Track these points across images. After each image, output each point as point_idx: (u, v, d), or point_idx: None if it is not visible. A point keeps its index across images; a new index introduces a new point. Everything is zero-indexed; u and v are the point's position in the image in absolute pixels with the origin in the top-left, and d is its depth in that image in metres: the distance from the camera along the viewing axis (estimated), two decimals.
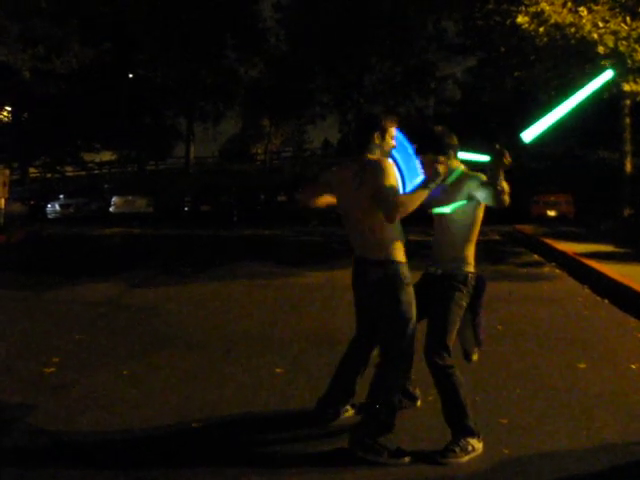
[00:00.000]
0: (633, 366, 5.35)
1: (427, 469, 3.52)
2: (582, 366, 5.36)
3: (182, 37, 33.99)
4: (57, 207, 27.12)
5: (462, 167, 3.89)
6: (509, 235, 17.51)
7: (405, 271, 3.66)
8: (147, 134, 37.93)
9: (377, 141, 3.70)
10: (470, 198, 3.73)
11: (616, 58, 12.35)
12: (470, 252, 3.85)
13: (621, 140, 18.44)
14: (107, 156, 45.36)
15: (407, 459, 3.57)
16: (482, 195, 3.64)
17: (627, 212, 18.62)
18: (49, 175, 42.16)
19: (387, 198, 3.45)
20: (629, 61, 12.40)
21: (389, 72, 37.20)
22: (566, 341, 6.22)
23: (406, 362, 3.69)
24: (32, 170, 40.93)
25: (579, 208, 23.49)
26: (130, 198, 27.10)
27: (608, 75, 3.36)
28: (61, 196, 28.16)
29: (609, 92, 13.57)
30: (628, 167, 18.60)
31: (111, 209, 26.88)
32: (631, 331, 6.59)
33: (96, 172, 43.54)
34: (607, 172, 22.14)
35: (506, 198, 3.45)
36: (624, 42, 12.07)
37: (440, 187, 3.85)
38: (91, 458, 3.71)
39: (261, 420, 4.23)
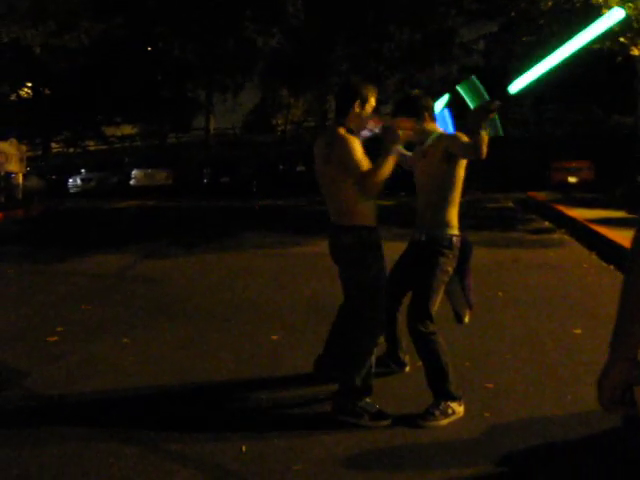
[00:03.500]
0: None
1: (406, 431, 3.58)
2: (578, 332, 5.34)
3: (199, 9, 33.77)
4: (78, 181, 27.40)
5: (439, 129, 3.88)
6: (522, 202, 17.39)
7: (375, 237, 3.69)
8: (167, 107, 37.95)
9: (357, 109, 3.68)
10: (449, 158, 3.72)
11: (623, 22, 12.10)
12: (453, 215, 3.81)
13: (635, 104, 18.09)
14: (128, 130, 45.53)
15: (387, 422, 3.64)
16: (461, 148, 3.58)
17: None
18: (71, 150, 42.52)
19: (356, 175, 3.50)
20: (635, 24, 12.13)
21: (408, 39, 36.70)
22: (565, 307, 6.21)
23: (377, 327, 3.74)
24: (54, 145, 41.28)
25: (599, 174, 23.20)
26: (150, 171, 27.27)
27: (619, 15, 3.15)
28: (82, 170, 28.45)
29: (622, 55, 13.36)
30: None
31: (131, 182, 27.07)
32: None
33: (117, 146, 43.74)
34: (625, 137, 21.82)
35: (484, 149, 3.37)
36: (630, 4, 11.79)
37: (419, 150, 3.89)
38: (85, 418, 3.82)
39: (253, 385, 4.31)
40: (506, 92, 3.25)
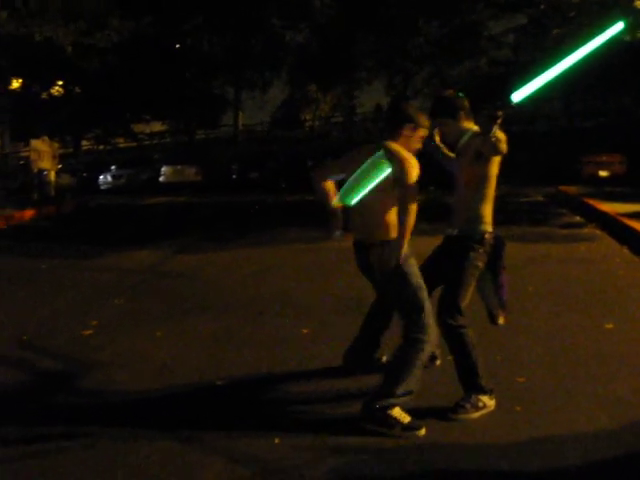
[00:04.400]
0: None
1: (437, 425, 3.59)
2: (609, 327, 5.32)
3: (227, 5, 33.94)
4: (109, 178, 27.71)
5: (474, 127, 3.89)
6: (553, 196, 17.24)
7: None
8: (195, 103, 38.21)
9: (407, 132, 3.71)
10: (479, 156, 3.72)
11: None
12: (486, 211, 3.84)
13: None
14: (157, 127, 45.96)
15: (421, 431, 3.50)
16: (484, 146, 3.57)
17: None
18: (101, 147, 43.07)
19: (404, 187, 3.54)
20: None
21: (436, 33, 36.50)
22: (596, 302, 6.17)
23: (430, 333, 3.63)
24: (85, 143, 41.83)
25: (631, 167, 22.82)
26: (179, 167, 27.42)
27: (619, 27, 3.28)
28: (112, 167, 28.76)
29: None
30: None
31: (161, 179, 27.26)
32: None
33: (147, 143, 44.19)
34: None
35: (503, 146, 3.46)
36: None
37: (457, 149, 3.94)
38: (119, 410, 3.91)
39: (285, 378, 4.38)
40: (509, 100, 3.21)
